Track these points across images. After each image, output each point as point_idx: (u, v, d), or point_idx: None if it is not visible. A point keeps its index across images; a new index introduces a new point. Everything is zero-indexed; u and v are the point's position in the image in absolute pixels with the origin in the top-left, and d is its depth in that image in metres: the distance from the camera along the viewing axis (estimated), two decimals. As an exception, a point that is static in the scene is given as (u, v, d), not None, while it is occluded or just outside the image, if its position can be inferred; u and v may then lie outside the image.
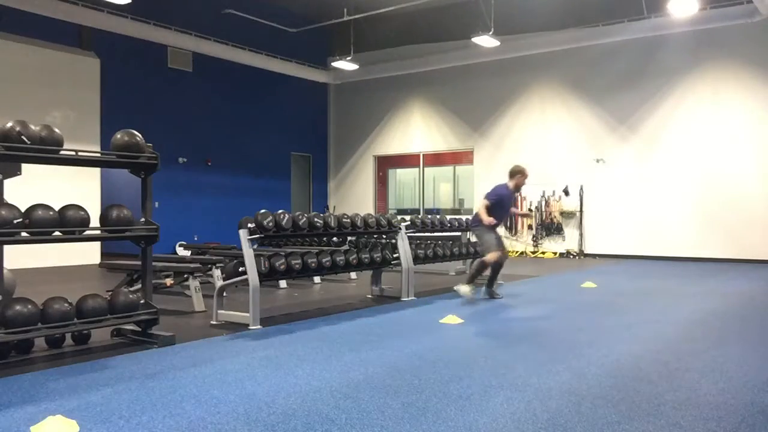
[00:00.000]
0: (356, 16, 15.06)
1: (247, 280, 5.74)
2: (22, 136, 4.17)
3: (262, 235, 5.93)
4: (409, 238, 7.91)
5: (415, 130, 18.01)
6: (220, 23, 15.20)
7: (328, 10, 15.44)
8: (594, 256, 14.69)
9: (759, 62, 12.94)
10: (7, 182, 4.32)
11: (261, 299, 5.83)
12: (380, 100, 18.42)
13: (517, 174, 7.45)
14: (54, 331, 4.43)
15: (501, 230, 15.34)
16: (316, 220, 6.47)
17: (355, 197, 19.07)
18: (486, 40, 13.72)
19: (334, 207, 19.12)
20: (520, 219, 15.75)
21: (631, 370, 4.10)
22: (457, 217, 9.63)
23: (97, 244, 12.60)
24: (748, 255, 12.84)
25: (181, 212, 14.75)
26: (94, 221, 4.71)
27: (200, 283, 6.96)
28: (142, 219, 4.99)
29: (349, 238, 9.29)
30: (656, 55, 14.03)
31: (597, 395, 3.51)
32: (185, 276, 6.88)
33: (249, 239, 5.81)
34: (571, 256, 14.80)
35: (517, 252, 15.70)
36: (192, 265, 6.90)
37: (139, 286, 5.50)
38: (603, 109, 14.80)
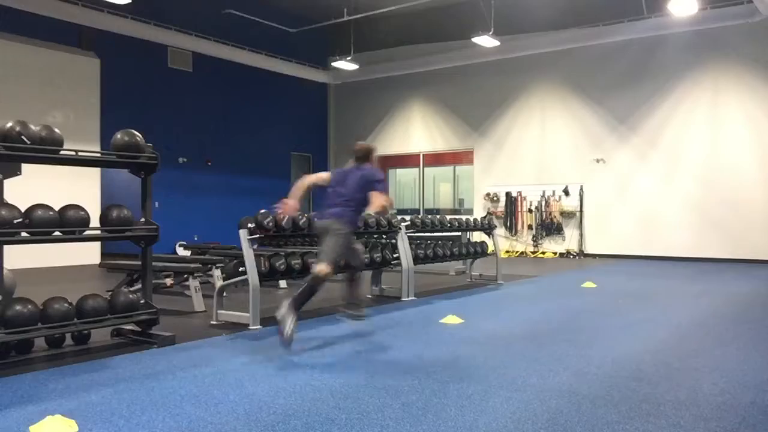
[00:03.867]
0: (356, 16, 15.05)
1: (247, 280, 5.74)
2: (22, 136, 4.17)
3: (262, 235, 5.93)
4: (409, 238, 7.90)
5: (415, 130, 18.01)
6: (220, 23, 15.19)
7: (328, 10, 15.43)
8: (594, 256, 14.68)
9: (759, 62, 12.93)
10: (7, 182, 4.32)
11: (261, 299, 5.83)
12: (380, 100, 18.41)
13: None
14: (54, 331, 4.43)
15: (501, 230, 15.58)
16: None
17: (355, 197, 19.00)
18: (486, 40, 13.72)
19: (334, 207, 19.07)
20: (520, 218, 15.81)
21: (631, 370, 4.10)
22: (457, 217, 9.63)
23: (97, 244, 12.59)
24: (748, 255, 12.83)
25: (181, 212, 14.74)
26: (94, 221, 4.71)
27: (200, 283, 6.96)
28: (142, 219, 4.99)
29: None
30: (656, 55, 14.03)
31: (597, 395, 3.51)
32: (185, 276, 6.88)
33: (249, 239, 5.80)
34: (571, 256, 14.80)
35: (517, 252, 15.70)
36: (192, 265, 6.90)
37: (139, 286, 5.50)
38: (603, 109, 14.80)
